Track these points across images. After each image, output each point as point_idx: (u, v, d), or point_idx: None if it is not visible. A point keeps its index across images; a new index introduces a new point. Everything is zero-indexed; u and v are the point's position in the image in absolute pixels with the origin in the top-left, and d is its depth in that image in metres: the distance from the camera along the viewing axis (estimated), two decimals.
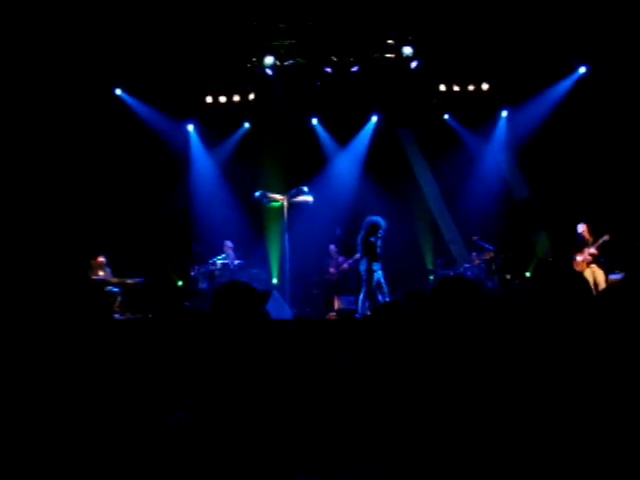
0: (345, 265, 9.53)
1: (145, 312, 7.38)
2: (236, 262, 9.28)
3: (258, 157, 10.40)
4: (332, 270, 9.71)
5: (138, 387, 2.12)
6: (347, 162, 10.84)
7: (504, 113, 10.21)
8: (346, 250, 9.48)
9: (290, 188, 9.04)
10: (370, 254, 7.60)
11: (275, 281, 10.30)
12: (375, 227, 7.66)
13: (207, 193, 10.40)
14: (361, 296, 7.74)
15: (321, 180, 10.53)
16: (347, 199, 10.57)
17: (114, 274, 8.61)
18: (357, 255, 8.04)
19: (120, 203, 9.14)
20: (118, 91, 9.53)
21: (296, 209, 9.27)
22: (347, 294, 9.38)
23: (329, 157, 10.87)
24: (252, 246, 9.99)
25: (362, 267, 7.76)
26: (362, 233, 7.72)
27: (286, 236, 8.93)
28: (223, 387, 2.21)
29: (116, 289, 8.32)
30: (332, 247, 9.67)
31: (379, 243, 7.65)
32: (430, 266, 10.55)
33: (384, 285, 7.69)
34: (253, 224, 10.31)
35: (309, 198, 9.05)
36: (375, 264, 7.67)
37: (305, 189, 9.01)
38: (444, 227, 10.99)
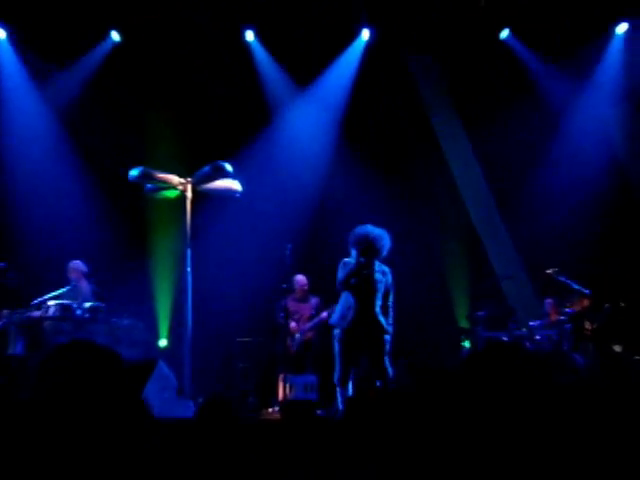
0: (322, 316, 9.50)
1: None
2: (88, 304, 8.88)
3: (138, 103, 10.45)
4: (293, 325, 9.69)
5: None
6: (311, 119, 10.78)
7: (620, 29, 10.04)
8: (313, 287, 9.58)
9: (200, 165, 8.43)
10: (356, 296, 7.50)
11: (163, 343, 10.29)
12: (369, 248, 7.43)
13: (31, 168, 10.21)
14: (336, 372, 7.50)
15: (261, 152, 10.43)
16: (309, 189, 10.58)
17: None
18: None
19: None
20: None
21: (210, 205, 9.30)
22: (303, 370, 9.40)
23: (277, 108, 10.89)
24: (123, 273, 9.86)
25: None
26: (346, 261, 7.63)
27: (188, 255, 8.17)
28: None
29: None
30: (299, 278, 9.65)
31: (378, 278, 7.45)
32: (463, 322, 10.41)
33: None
34: (126, 232, 10.28)
35: (234, 185, 8.46)
36: None
37: (228, 168, 8.26)
38: (492, 249, 10.81)
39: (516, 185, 10.45)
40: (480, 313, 9.80)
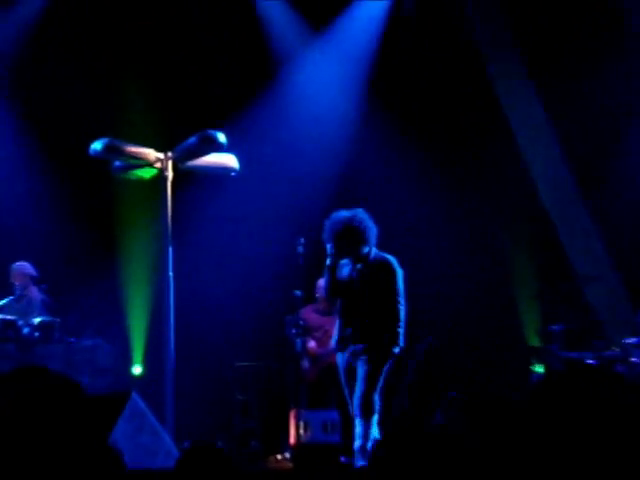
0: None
1: None
2: (38, 320, 8.97)
3: (101, 55, 10.54)
4: (312, 345, 9.61)
5: None
6: (329, 73, 10.81)
7: None
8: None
9: (183, 136, 8.67)
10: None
11: (137, 370, 10.38)
12: (339, 240, 7.34)
13: None
14: (357, 402, 7.34)
15: (264, 117, 10.54)
16: (327, 165, 10.58)
17: None
18: None
19: None
20: None
21: (198, 188, 9.76)
22: (324, 404, 9.31)
23: (284, 60, 10.92)
24: (84, 279, 10.09)
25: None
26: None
27: (169, 255, 8.41)
28: None
29: None
30: (322, 283, 9.13)
31: (357, 277, 7.48)
32: (533, 340, 10.38)
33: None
34: (88, 224, 10.46)
35: (229, 161, 8.61)
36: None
37: (220, 138, 8.31)
38: (572, 242, 10.67)
39: (604, 161, 10.28)
40: (556, 327, 9.62)
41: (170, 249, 8.43)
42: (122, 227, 10.49)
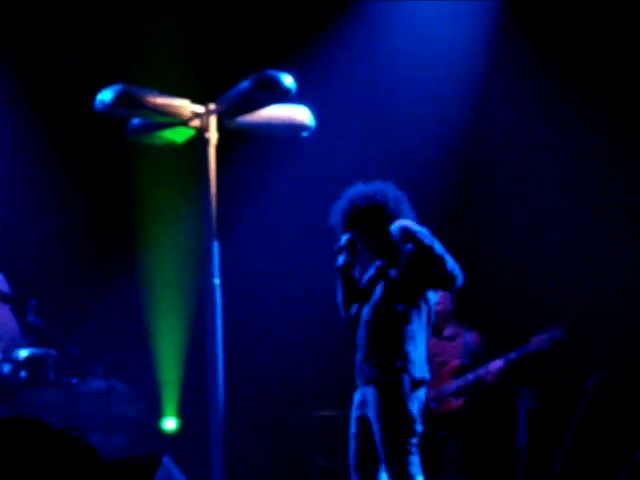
0: (491, 369, 8.34)
1: None
2: (24, 353, 8.15)
3: None
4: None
5: None
6: None
7: None
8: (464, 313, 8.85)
9: (231, 81, 7.36)
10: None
11: (170, 424, 9.22)
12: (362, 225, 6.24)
13: None
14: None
15: (346, 53, 9.20)
16: (438, 121, 9.13)
17: None
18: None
19: None
20: None
21: (254, 156, 8.87)
22: (441, 473, 8.20)
23: None
24: (91, 292, 9.14)
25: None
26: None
27: (214, 254, 7.11)
28: None
29: None
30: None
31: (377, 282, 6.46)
32: None
33: None
34: (95, 213, 9.31)
35: (299, 114, 7.45)
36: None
37: (286, 82, 7.12)
38: None
39: None
40: None
41: (215, 245, 7.09)
42: (144, 215, 9.45)
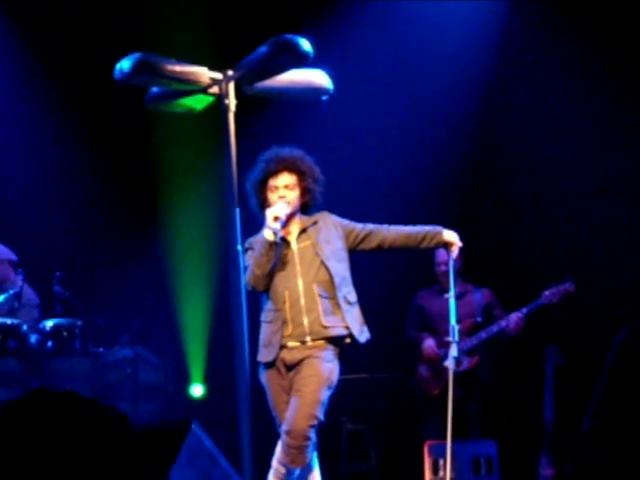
0: (502, 325, 8.75)
1: None
2: (50, 324, 8.39)
3: None
4: (430, 345, 9.00)
5: None
6: None
7: None
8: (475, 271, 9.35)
9: (249, 46, 7.21)
10: None
11: (197, 390, 9.64)
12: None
13: None
14: None
15: (367, 16, 9.48)
16: (460, 86, 9.58)
17: None
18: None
19: None
20: None
21: (274, 122, 9.27)
22: (465, 432, 8.65)
23: None
24: (116, 264, 9.57)
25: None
26: None
27: (236, 221, 6.91)
28: None
29: None
30: (442, 252, 8.55)
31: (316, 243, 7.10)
32: None
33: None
34: (117, 184, 9.75)
35: (318, 78, 7.39)
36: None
37: (304, 46, 7.06)
38: None
39: None
40: None
41: (237, 212, 6.86)
42: (166, 184, 9.66)
